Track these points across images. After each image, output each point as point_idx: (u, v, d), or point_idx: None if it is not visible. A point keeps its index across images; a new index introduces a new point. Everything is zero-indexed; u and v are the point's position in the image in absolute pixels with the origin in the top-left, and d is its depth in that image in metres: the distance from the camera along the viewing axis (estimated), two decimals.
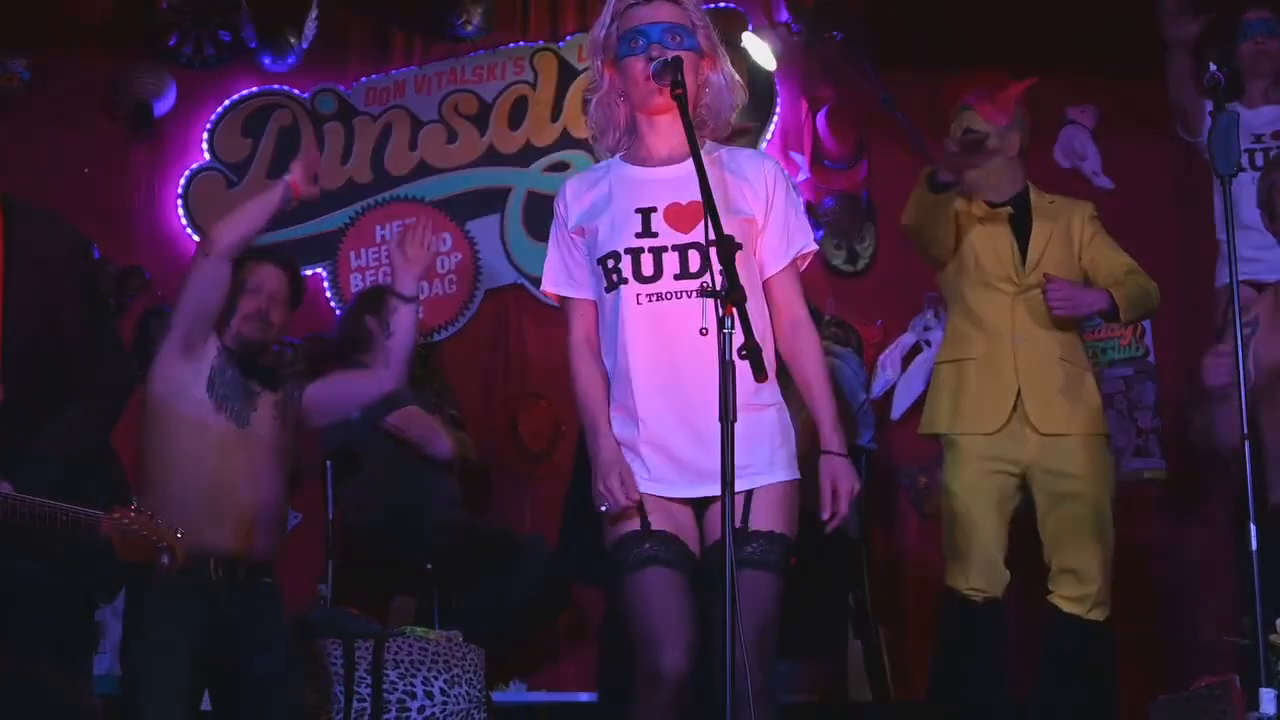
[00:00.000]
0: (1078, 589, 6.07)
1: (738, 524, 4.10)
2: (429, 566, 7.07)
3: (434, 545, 7.08)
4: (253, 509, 5.66)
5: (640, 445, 4.25)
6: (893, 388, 8.16)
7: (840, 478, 4.27)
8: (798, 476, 4.30)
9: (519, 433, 8.07)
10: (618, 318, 4.26)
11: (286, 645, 5.75)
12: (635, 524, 4.22)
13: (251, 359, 5.83)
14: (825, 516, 4.26)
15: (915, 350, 8.19)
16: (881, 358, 8.16)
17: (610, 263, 4.27)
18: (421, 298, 8.06)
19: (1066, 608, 6.07)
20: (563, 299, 4.48)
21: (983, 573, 6.09)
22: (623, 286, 4.25)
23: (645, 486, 4.24)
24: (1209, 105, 6.76)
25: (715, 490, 4.01)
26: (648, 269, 4.24)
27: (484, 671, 6.35)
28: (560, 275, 4.45)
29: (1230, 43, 7.10)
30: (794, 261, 4.41)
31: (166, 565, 4.58)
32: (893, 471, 8.08)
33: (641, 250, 4.25)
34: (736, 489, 3.95)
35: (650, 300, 4.23)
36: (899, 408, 8.15)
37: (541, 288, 4.62)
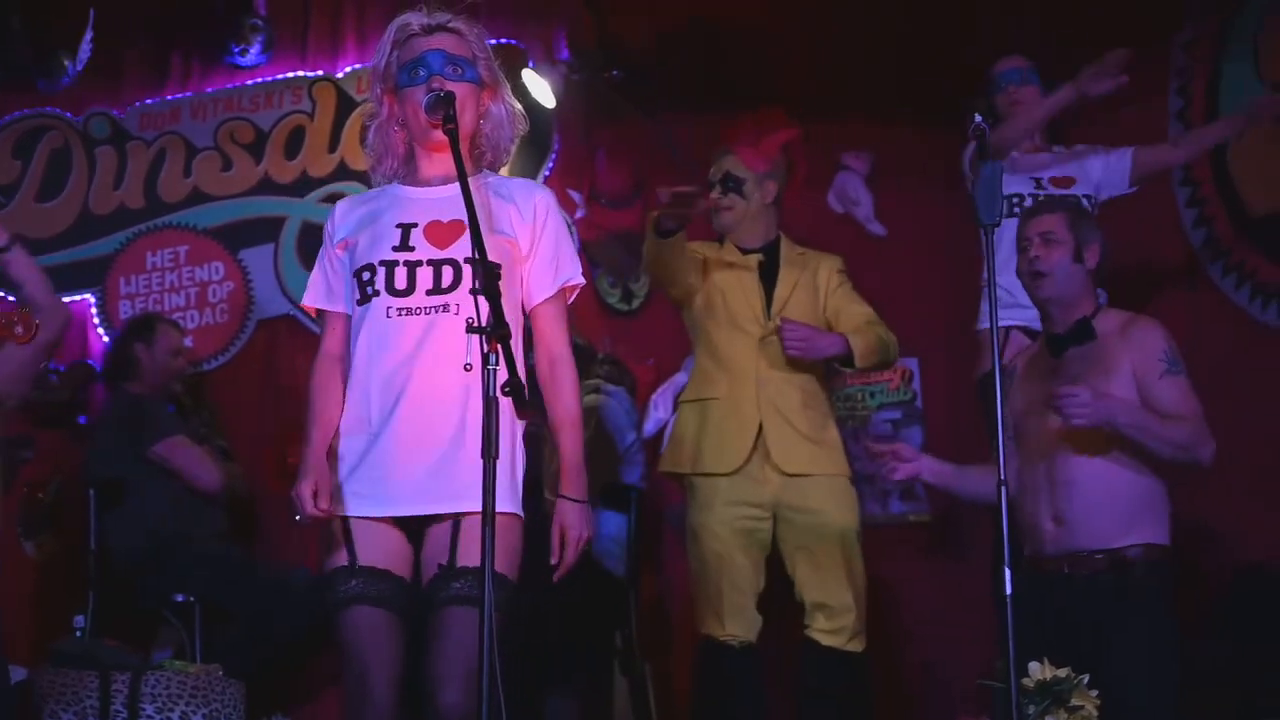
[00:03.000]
0: (834, 622, 6.16)
1: (444, 560, 4.12)
2: (181, 598, 6.97)
3: (198, 577, 7.00)
4: None
5: (365, 459, 4.23)
6: (664, 427, 8.18)
7: (570, 525, 4.25)
8: (519, 513, 4.25)
9: (288, 464, 7.98)
10: (366, 331, 4.26)
11: None
12: (344, 557, 4.21)
13: None
14: (553, 562, 4.24)
15: None
16: (654, 396, 8.18)
17: (365, 275, 4.27)
18: (192, 327, 8.04)
19: (825, 640, 6.16)
20: (320, 312, 4.48)
21: (737, 618, 6.16)
22: (375, 299, 4.25)
23: (358, 508, 4.23)
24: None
25: (432, 510, 4.15)
26: (401, 283, 4.24)
27: (245, 706, 6.28)
28: (321, 290, 4.46)
29: (989, 93, 7.20)
30: (561, 292, 4.42)
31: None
32: (663, 510, 8.10)
33: (396, 264, 4.25)
34: (444, 510, 4.12)
35: (400, 314, 4.22)
36: None
37: (301, 302, 4.59)
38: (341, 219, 4.45)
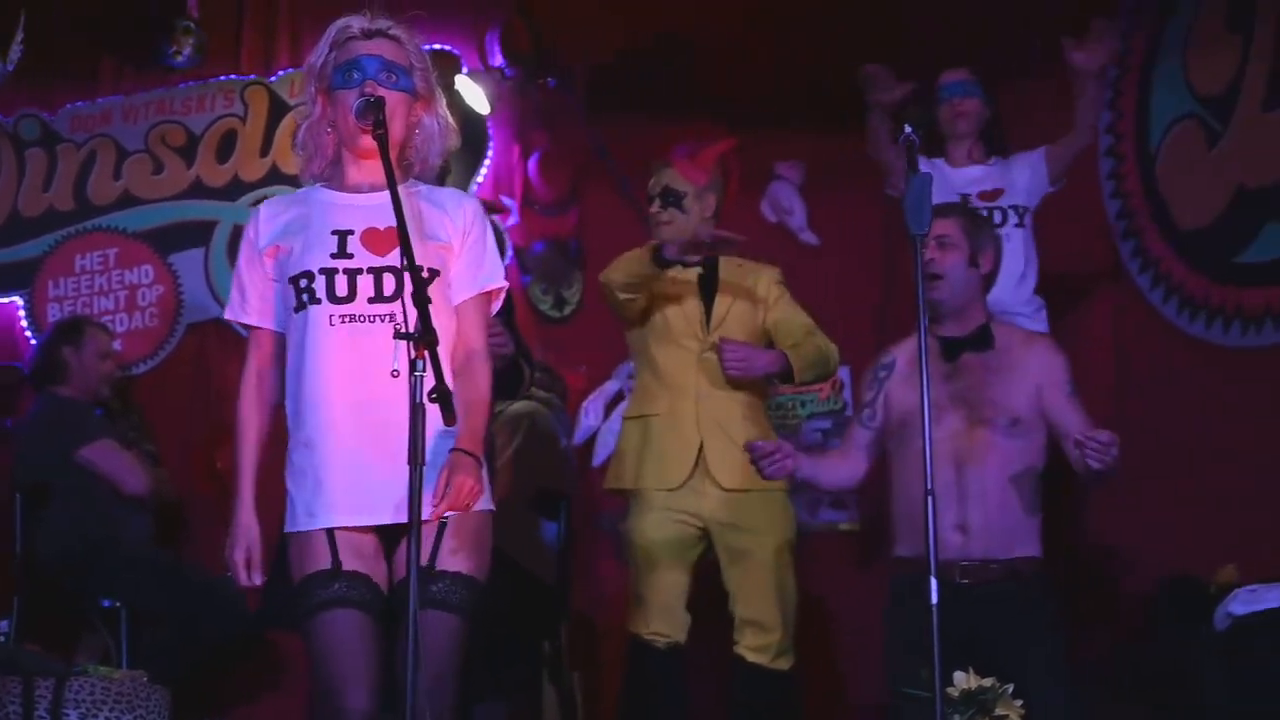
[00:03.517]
0: (761, 639, 6.17)
1: (424, 561, 4.09)
2: (108, 603, 6.95)
3: (125, 581, 6.97)
4: None
5: (326, 471, 4.19)
6: (595, 435, 8.19)
7: (458, 469, 4.09)
8: (492, 508, 4.28)
9: (217, 469, 7.95)
10: (308, 339, 4.21)
11: None
12: (326, 561, 4.17)
13: None
14: (433, 505, 4.08)
15: (619, 398, 8.20)
16: (585, 404, 8.18)
17: (303, 282, 4.22)
18: (121, 330, 8.00)
19: (751, 658, 6.17)
20: (244, 326, 4.43)
21: (663, 617, 6.16)
22: (314, 306, 4.21)
23: (334, 519, 4.18)
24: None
25: (398, 518, 4.05)
26: (342, 290, 4.20)
27: (170, 713, 6.25)
28: (242, 302, 4.40)
29: (931, 104, 7.24)
30: (483, 295, 4.38)
31: None
32: (593, 518, 8.10)
33: (336, 271, 4.21)
34: (427, 515, 3.98)
35: (344, 321, 4.19)
36: (600, 455, 8.16)
37: (225, 315, 4.51)
38: (267, 223, 4.39)
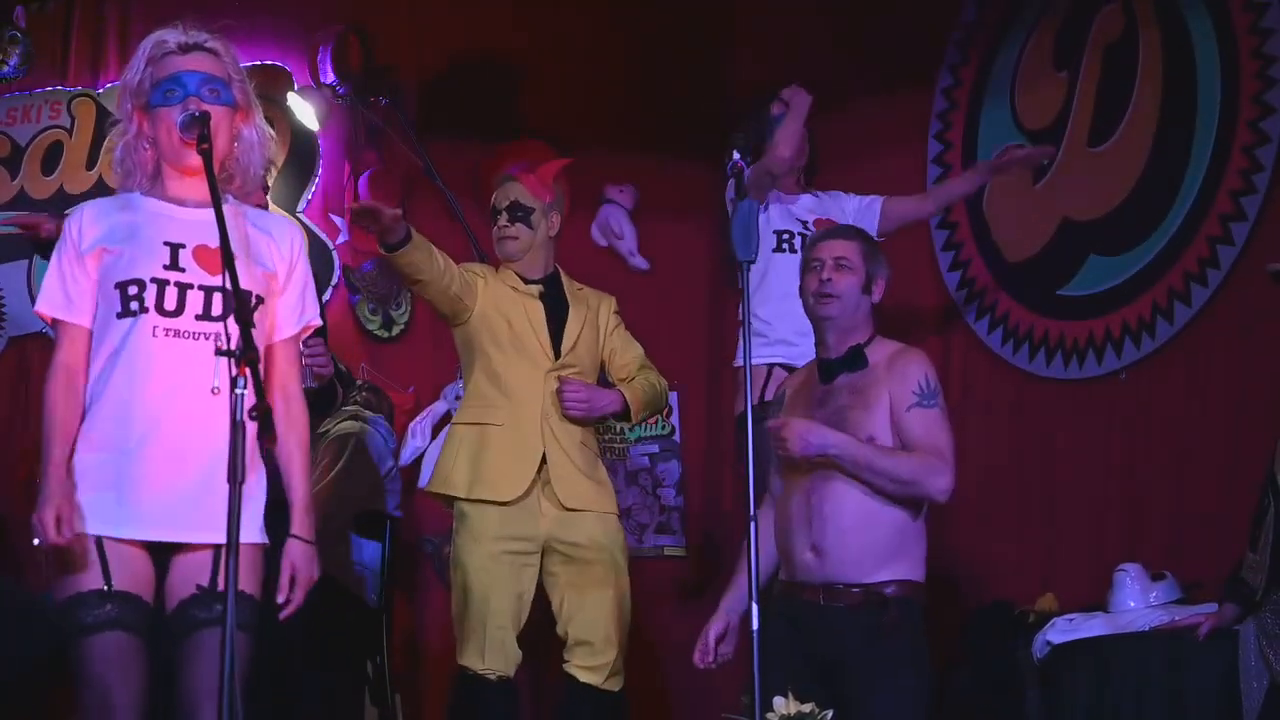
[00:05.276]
0: (594, 659, 6.12)
1: (204, 581, 4.09)
2: None
3: None
4: None
5: (120, 478, 4.14)
6: (422, 455, 8.14)
7: (301, 565, 4.24)
8: (266, 541, 4.27)
9: (37, 484, 7.80)
10: (127, 347, 4.18)
11: None
12: (97, 580, 4.11)
13: None
14: (280, 600, 4.21)
15: (446, 419, 8.18)
16: (412, 425, 8.14)
17: (132, 289, 4.18)
18: None
19: (583, 677, 6.12)
20: (56, 322, 4.33)
21: (497, 653, 6.08)
22: (142, 315, 4.17)
23: (110, 528, 4.13)
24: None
25: (185, 538, 4.09)
26: (170, 303, 4.18)
27: None
28: (59, 298, 4.30)
29: (759, 134, 7.22)
30: (300, 332, 4.43)
31: None
32: (418, 539, 8.05)
33: (167, 283, 4.19)
34: (208, 540, 4.04)
35: (168, 335, 4.17)
36: (427, 475, 8.12)
37: (35, 308, 4.40)
38: (92, 224, 4.31)
